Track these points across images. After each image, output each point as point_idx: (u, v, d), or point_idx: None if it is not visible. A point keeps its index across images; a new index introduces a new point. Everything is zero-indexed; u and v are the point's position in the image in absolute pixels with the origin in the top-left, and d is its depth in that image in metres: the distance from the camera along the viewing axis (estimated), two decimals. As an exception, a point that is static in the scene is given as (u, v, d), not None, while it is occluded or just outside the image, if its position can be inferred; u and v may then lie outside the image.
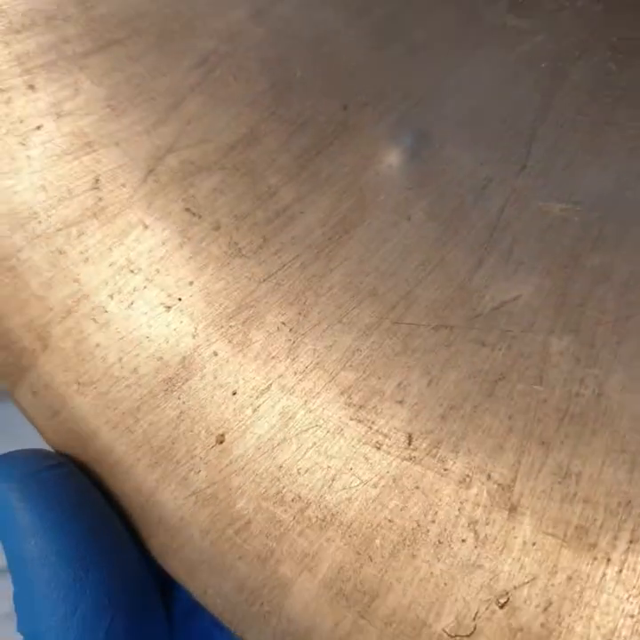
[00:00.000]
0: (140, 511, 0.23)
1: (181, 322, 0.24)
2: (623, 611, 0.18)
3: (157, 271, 0.24)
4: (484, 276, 0.22)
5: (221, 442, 0.23)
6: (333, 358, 0.22)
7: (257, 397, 0.23)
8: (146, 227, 0.24)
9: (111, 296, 0.24)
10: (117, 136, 0.24)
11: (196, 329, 0.24)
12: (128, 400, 0.23)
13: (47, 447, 0.24)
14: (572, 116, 0.22)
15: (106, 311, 0.24)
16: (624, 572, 0.18)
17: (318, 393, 0.22)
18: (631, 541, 0.18)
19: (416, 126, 0.23)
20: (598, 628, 0.18)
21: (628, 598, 0.18)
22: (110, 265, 0.24)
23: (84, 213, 0.24)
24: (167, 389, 0.23)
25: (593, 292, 0.21)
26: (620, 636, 0.18)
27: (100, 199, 0.24)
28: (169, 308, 0.24)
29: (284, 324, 0.23)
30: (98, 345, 0.24)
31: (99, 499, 0.21)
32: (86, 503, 0.20)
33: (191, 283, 0.24)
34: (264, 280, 0.24)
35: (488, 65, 0.23)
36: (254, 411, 0.23)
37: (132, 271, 0.24)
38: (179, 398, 0.23)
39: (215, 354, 0.23)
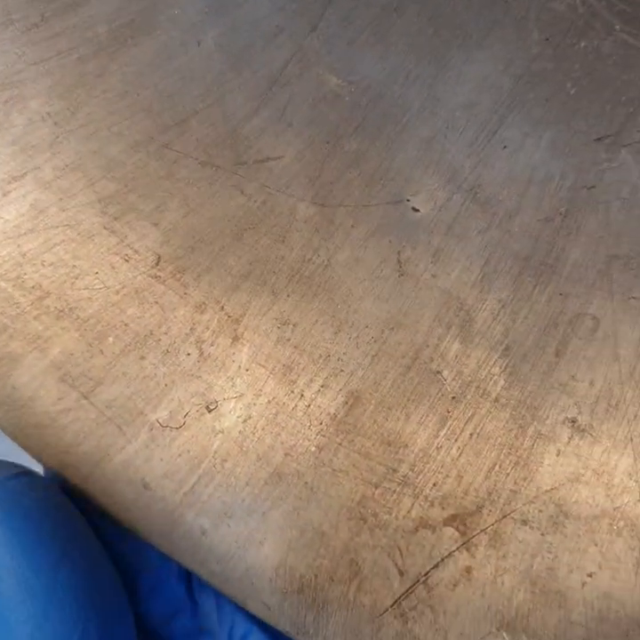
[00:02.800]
0: None
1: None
2: (304, 434, 0.23)
3: None
4: (256, 126, 0.24)
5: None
6: (96, 164, 0.23)
7: (9, 183, 0.23)
8: None
9: None
10: None
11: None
12: None
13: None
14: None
15: None
16: (311, 407, 0.23)
17: (74, 194, 0.23)
18: (322, 386, 0.23)
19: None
20: (282, 443, 0.23)
21: (309, 426, 0.23)
22: None
23: None
24: None
25: (344, 174, 0.24)
26: (298, 452, 0.23)
27: None
28: None
29: (49, 114, 0.23)
30: None
31: (67, 505, 0.21)
32: (56, 510, 0.20)
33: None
34: (34, 63, 0.23)
35: None
36: (4, 195, 0.23)
37: None
38: None
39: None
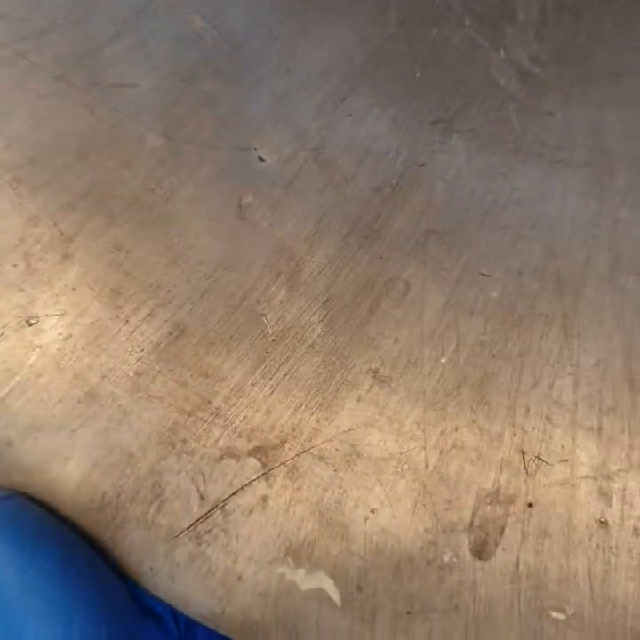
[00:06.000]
0: None
1: None
2: (124, 359, 0.25)
3: None
4: (115, 51, 0.25)
5: None
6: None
7: None
8: None
9: None
10: None
11: None
12: None
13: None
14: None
15: None
16: (135, 333, 0.25)
17: None
18: (149, 315, 0.25)
19: None
20: (101, 365, 0.24)
21: (130, 352, 0.25)
22: None
23: None
24: None
25: (197, 112, 0.25)
26: (116, 375, 0.25)
27: None
28: None
29: None
30: None
31: (58, 525, 0.22)
32: (49, 530, 0.21)
33: None
34: None
35: None
36: None
37: None
38: None
39: None
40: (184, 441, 0.24)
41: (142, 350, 0.24)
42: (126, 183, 0.25)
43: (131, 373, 0.24)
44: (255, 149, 0.25)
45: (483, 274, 0.23)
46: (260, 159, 0.25)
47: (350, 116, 0.25)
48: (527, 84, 0.24)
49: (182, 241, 0.25)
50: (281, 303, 0.25)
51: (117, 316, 0.25)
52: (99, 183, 0.25)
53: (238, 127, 0.25)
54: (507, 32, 0.24)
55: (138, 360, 0.24)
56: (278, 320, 0.25)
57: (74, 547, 0.22)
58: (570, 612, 0.20)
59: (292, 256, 0.25)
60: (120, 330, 0.25)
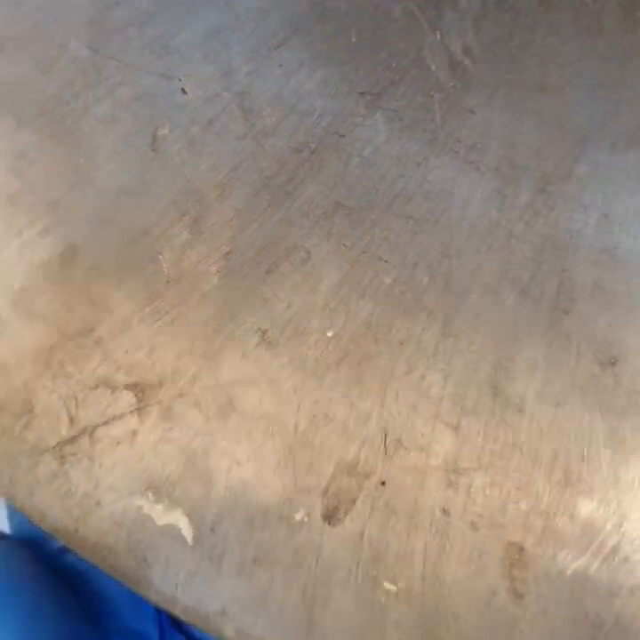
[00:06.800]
0: None
1: None
2: (11, 272, 0.24)
3: None
4: None
5: None
6: None
7: None
8: None
9: None
10: None
11: None
12: None
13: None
14: None
15: None
16: (26, 247, 0.25)
17: None
18: (44, 230, 0.25)
19: None
20: None
21: (17, 265, 0.24)
22: None
23: None
24: None
25: (126, 29, 0.25)
26: (4, 284, 0.24)
27: None
28: None
29: None
30: None
31: (41, 571, 0.22)
32: (32, 575, 0.21)
33: None
34: None
35: None
36: None
37: None
38: None
39: None
40: (61, 363, 0.24)
41: (31, 265, 0.24)
42: (41, 90, 0.24)
43: (15, 286, 0.24)
44: (180, 80, 0.24)
45: (381, 258, 0.24)
46: (183, 91, 0.24)
47: (281, 65, 0.25)
48: (455, 74, 0.25)
49: (90, 162, 0.24)
50: (181, 246, 0.25)
51: (10, 226, 0.24)
52: (11, 83, 0.23)
53: (166, 53, 0.24)
54: (446, 15, 0.24)
55: (24, 275, 0.24)
56: (175, 262, 0.25)
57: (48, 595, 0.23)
58: (401, 585, 0.22)
59: (200, 200, 0.25)
60: (11, 240, 0.25)
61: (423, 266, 0.25)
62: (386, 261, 0.25)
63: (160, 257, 0.25)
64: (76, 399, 0.25)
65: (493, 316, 0.24)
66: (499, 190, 0.25)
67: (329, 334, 0.25)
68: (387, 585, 0.23)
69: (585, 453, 0.23)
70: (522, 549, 0.23)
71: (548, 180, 0.25)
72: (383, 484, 0.24)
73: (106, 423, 0.25)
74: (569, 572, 0.22)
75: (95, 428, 0.24)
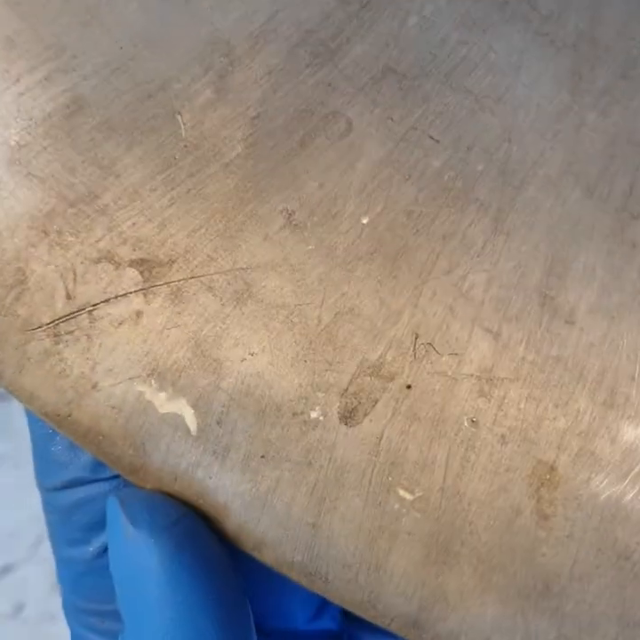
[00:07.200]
0: None
1: None
2: (7, 124, 0.21)
3: None
4: None
5: None
6: None
7: None
8: None
9: None
10: None
11: None
12: None
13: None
14: None
15: None
16: (25, 97, 0.22)
17: None
18: (46, 79, 0.22)
19: None
20: None
21: (16, 117, 0.22)
22: None
23: None
24: None
25: None
26: None
27: None
28: None
29: None
30: None
31: (220, 551, 0.21)
32: (212, 558, 0.21)
33: None
34: None
35: None
36: None
37: None
38: None
39: None
40: (59, 232, 0.22)
41: (30, 119, 0.21)
42: None
43: (12, 142, 0.21)
44: None
45: (431, 137, 0.21)
46: None
47: None
48: None
49: (105, 0, 0.21)
50: (203, 106, 0.22)
51: (7, 71, 0.22)
52: None
53: None
54: None
55: (23, 129, 0.21)
56: (196, 124, 0.22)
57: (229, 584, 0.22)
58: (417, 495, 0.21)
59: (228, 53, 0.22)
60: (8, 88, 0.22)
61: (478, 150, 0.22)
62: (437, 141, 0.22)
63: (178, 117, 0.22)
64: (75, 273, 0.22)
65: (551, 214, 0.22)
66: (574, 70, 0.22)
67: (364, 221, 0.22)
68: (402, 492, 0.21)
69: (636, 375, 0.21)
70: (553, 469, 0.21)
71: (633, 64, 0.22)
72: (409, 387, 0.22)
73: (107, 301, 0.22)
74: (602, 498, 0.21)
75: (95, 305, 0.22)
